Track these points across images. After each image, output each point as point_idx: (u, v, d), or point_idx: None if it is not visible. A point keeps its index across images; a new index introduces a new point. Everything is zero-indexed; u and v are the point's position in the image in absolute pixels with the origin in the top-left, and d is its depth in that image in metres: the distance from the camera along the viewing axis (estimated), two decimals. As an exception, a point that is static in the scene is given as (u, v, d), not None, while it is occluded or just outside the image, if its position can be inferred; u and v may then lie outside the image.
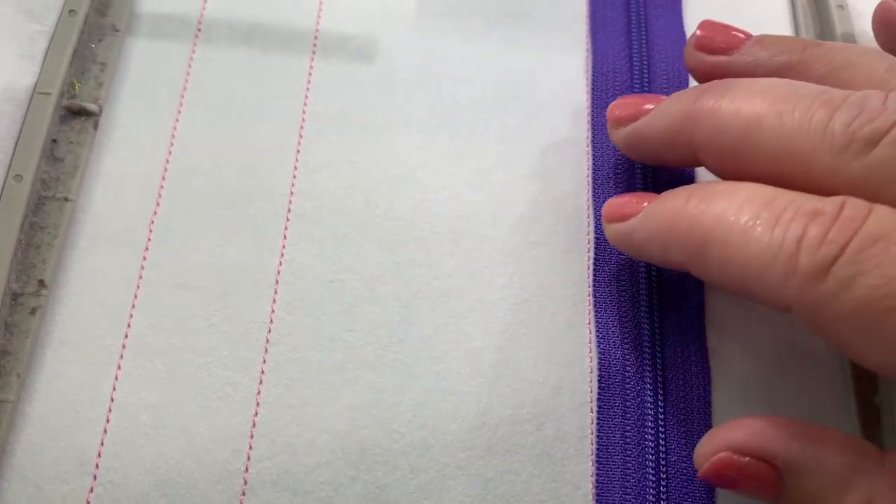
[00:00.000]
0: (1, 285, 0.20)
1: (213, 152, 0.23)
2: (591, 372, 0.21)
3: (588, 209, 0.23)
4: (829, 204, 0.16)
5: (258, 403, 0.20)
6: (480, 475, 0.20)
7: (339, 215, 0.22)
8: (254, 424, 0.20)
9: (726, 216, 0.17)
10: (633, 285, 0.22)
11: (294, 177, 0.23)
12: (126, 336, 0.20)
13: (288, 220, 0.22)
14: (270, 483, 0.19)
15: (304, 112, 0.23)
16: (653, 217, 0.19)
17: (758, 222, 0.17)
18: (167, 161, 0.22)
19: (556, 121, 0.24)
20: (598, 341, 0.21)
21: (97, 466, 0.19)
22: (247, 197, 0.22)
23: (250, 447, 0.20)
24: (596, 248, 0.22)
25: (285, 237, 0.22)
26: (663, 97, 0.21)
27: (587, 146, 0.24)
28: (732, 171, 0.19)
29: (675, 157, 0.21)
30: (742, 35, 0.22)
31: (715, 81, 0.20)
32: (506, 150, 0.24)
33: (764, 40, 0.21)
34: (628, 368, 0.21)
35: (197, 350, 0.20)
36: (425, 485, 0.20)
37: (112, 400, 0.20)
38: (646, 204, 0.20)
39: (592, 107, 0.24)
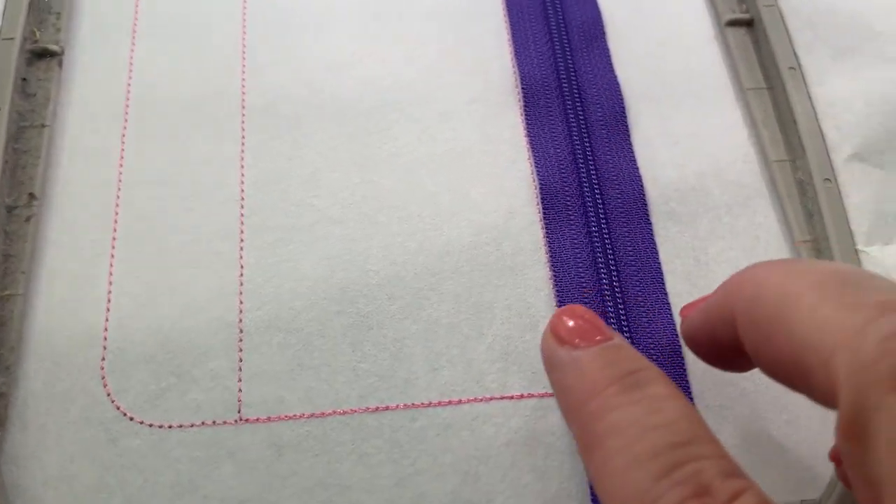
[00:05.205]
0: (-5, 200, 0.22)
1: (167, 70, 0.25)
2: (536, 197, 0.23)
3: (513, 67, 0.26)
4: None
5: (241, 266, 0.22)
6: (451, 292, 0.22)
7: (288, 103, 0.25)
8: (241, 283, 0.22)
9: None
10: (564, 120, 0.24)
11: (243, 78, 0.25)
12: (114, 230, 0.22)
13: (243, 114, 0.24)
14: (263, 328, 0.21)
15: (244, 20, 0.26)
16: None
17: None
18: (128, 84, 0.25)
19: (471, -3, 0.27)
20: (538, 170, 0.24)
21: (105, 338, 0.21)
22: (203, 102, 0.24)
23: (241, 301, 0.22)
24: (524, 97, 0.25)
25: (243, 128, 0.24)
26: None
27: (504, 16, 0.26)
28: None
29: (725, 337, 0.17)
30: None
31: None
32: (432, 29, 0.26)
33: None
34: (567, 188, 0.23)
35: (180, 229, 0.22)
36: (404, 307, 0.22)
37: (110, 283, 0.22)
38: None
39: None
